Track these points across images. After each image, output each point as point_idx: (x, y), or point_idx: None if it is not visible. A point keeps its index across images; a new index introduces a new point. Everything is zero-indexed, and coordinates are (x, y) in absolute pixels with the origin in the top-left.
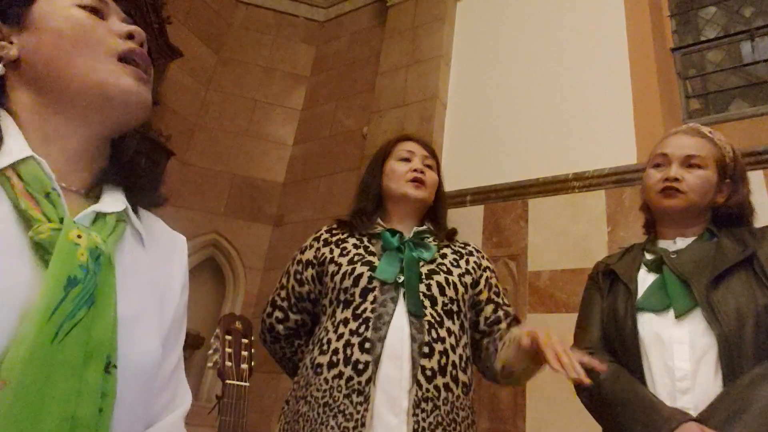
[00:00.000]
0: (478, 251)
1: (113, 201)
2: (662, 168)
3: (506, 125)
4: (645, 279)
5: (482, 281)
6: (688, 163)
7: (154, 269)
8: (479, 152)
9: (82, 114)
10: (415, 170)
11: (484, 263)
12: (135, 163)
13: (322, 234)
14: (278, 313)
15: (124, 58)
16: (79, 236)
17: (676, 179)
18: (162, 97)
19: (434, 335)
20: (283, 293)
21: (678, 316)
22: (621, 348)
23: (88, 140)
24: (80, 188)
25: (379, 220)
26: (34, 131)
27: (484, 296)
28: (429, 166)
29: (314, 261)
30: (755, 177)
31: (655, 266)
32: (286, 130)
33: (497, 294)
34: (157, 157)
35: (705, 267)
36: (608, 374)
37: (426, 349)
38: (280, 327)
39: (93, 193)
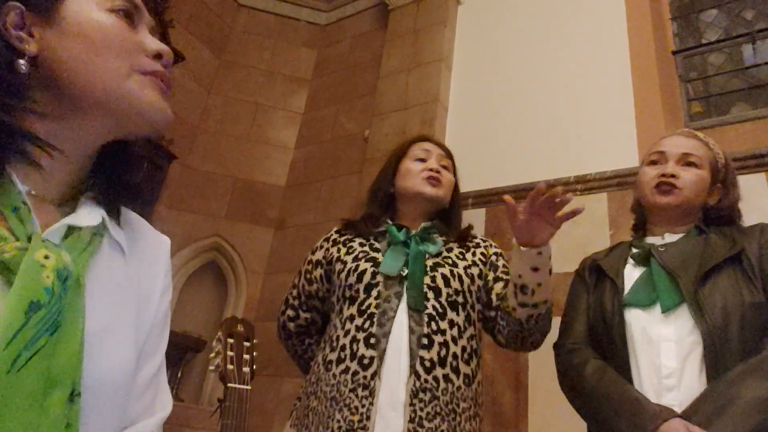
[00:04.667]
0: (485, 242)
1: (90, 212)
2: (658, 166)
3: (508, 128)
4: (631, 274)
5: (488, 266)
6: (685, 161)
7: (134, 278)
8: (481, 155)
9: (97, 122)
10: (431, 169)
11: (491, 251)
12: (123, 168)
13: (332, 235)
14: (290, 312)
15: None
16: (46, 257)
17: (673, 175)
18: None
19: (434, 327)
20: (294, 292)
21: (665, 311)
22: (608, 344)
23: (85, 146)
24: (57, 197)
25: (388, 221)
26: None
27: (491, 277)
28: (445, 167)
29: (323, 261)
30: (757, 179)
31: (642, 259)
32: (287, 134)
33: (506, 273)
34: (159, 161)
35: (692, 262)
36: (593, 370)
37: (425, 341)
38: (291, 325)
39: (71, 203)
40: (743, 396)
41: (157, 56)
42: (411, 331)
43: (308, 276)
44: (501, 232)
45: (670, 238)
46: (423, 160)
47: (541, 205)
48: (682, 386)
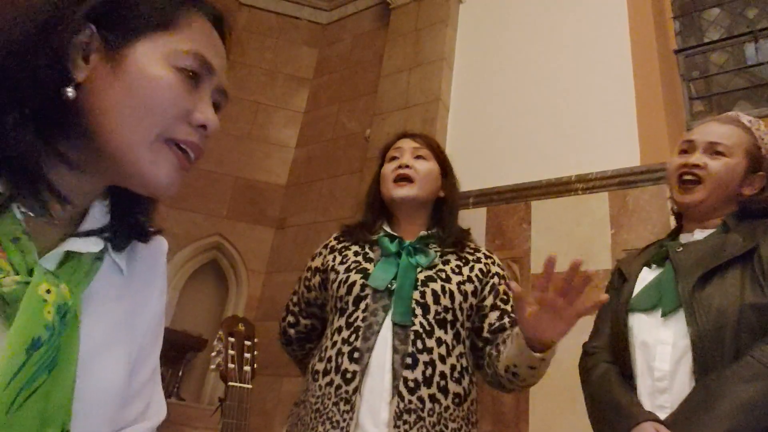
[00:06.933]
0: (488, 257)
1: (93, 237)
2: (686, 155)
3: (509, 127)
4: (646, 277)
5: (487, 288)
6: (712, 150)
7: (130, 293)
8: (482, 154)
9: (103, 169)
10: (399, 167)
11: (493, 269)
12: (132, 206)
13: (330, 241)
14: (290, 318)
15: (174, 142)
16: (48, 291)
17: (696, 165)
18: None
19: (419, 346)
20: (294, 299)
21: (664, 314)
22: (618, 348)
23: (93, 182)
24: (64, 218)
25: (385, 227)
26: (48, 163)
27: (488, 303)
28: (421, 157)
29: (321, 268)
30: None
31: (659, 261)
32: (288, 133)
33: (505, 301)
34: None
35: (702, 262)
36: (598, 375)
37: (409, 360)
38: (291, 331)
39: (73, 221)
40: (723, 403)
41: (202, 126)
42: (395, 350)
43: (307, 283)
44: (501, 231)
45: (699, 234)
46: (395, 159)
47: (557, 291)
48: (674, 389)
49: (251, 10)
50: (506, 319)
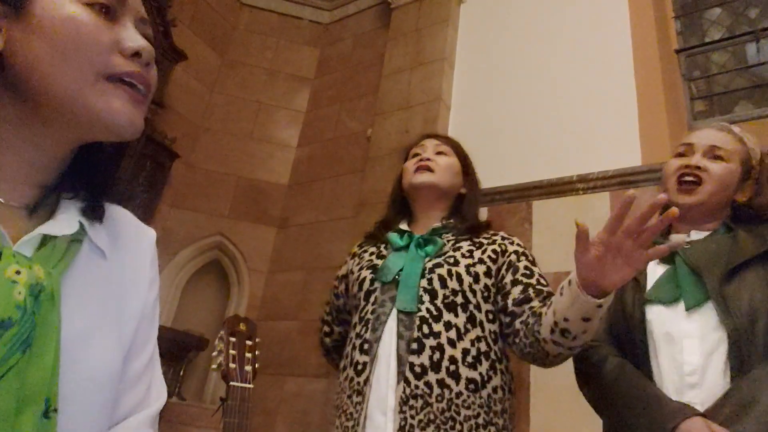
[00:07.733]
0: (506, 238)
1: (67, 218)
2: (685, 158)
3: (510, 127)
4: (654, 270)
5: (504, 266)
6: (712, 154)
7: (115, 276)
8: (483, 154)
9: (62, 130)
10: (420, 160)
11: (511, 248)
12: (99, 166)
13: (354, 249)
14: (326, 328)
15: (118, 79)
16: (17, 272)
17: (698, 167)
18: (167, 99)
19: (425, 331)
20: (327, 308)
21: (689, 308)
22: (628, 341)
23: (52, 152)
24: (28, 202)
25: (402, 226)
26: None
27: (508, 280)
28: (442, 153)
29: (345, 274)
30: None
31: (666, 256)
32: (290, 133)
33: (527, 276)
34: (162, 160)
35: (719, 259)
36: (612, 367)
37: (414, 346)
38: (327, 340)
39: (45, 207)
40: (766, 398)
41: (136, 55)
42: (399, 336)
43: (335, 291)
44: (503, 230)
45: (696, 235)
46: (417, 155)
47: (628, 233)
48: (705, 384)
49: (252, 10)
50: (530, 291)
